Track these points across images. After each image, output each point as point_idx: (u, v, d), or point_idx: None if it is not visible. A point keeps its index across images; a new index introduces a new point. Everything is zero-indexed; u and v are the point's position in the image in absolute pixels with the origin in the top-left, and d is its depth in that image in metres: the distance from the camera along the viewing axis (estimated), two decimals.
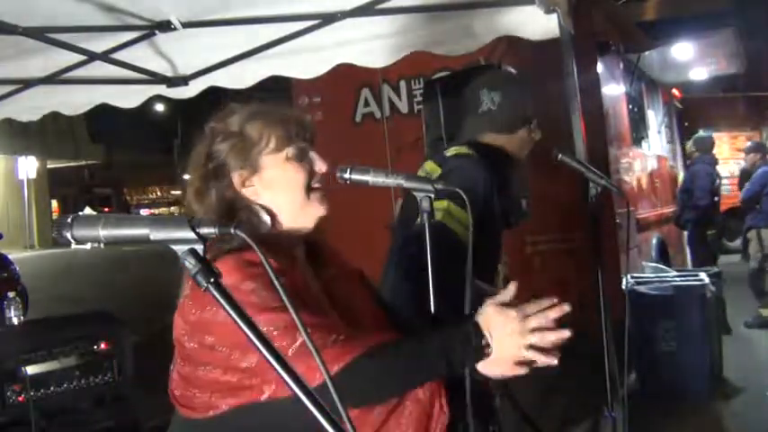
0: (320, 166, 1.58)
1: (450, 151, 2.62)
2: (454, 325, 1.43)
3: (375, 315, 1.65)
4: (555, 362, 1.37)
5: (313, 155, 1.59)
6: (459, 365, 1.40)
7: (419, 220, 2.46)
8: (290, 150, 1.56)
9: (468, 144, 2.63)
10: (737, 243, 11.42)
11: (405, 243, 2.45)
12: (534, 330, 1.36)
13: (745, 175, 8.43)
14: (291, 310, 1.08)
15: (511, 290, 1.40)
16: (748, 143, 9.10)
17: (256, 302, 1.36)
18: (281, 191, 1.55)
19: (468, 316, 1.42)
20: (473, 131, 2.68)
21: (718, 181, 7.94)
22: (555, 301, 1.38)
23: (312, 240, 1.63)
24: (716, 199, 7.77)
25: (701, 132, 9.01)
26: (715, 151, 8.39)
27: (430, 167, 2.61)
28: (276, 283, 1.07)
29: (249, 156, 1.54)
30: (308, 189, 1.56)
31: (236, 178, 1.54)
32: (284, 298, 1.07)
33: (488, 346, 1.37)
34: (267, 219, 1.53)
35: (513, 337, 1.37)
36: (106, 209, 32.19)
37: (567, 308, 1.37)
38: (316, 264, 1.63)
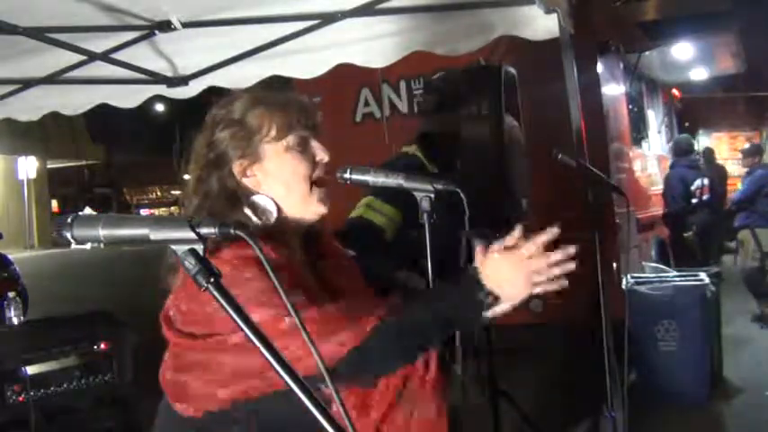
0: (322, 156, 1.56)
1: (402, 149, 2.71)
2: (454, 285, 1.44)
3: (368, 300, 1.64)
4: (564, 283, 1.40)
5: (315, 144, 1.56)
6: (465, 323, 1.49)
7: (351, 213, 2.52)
8: (290, 139, 1.53)
9: (416, 140, 2.72)
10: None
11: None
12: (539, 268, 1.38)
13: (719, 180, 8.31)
14: (288, 305, 1.08)
15: (515, 234, 1.41)
16: (746, 145, 9.08)
17: (254, 294, 1.35)
18: (282, 182, 1.53)
19: (468, 270, 1.43)
20: (424, 129, 2.82)
21: (700, 181, 7.68)
22: (553, 234, 1.40)
23: (310, 228, 1.61)
24: (694, 201, 7.60)
25: (680, 135, 8.97)
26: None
27: None
28: (275, 281, 1.07)
29: (250, 144, 1.52)
30: (311, 181, 1.54)
31: (236, 167, 1.51)
32: (282, 293, 1.07)
33: (492, 295, 1.39)
34: (272, 209, 1.51)
35: (520, 276, 1.38)
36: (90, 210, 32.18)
37: (571, 250, 1.39)
38: (311, 252, 1.61)
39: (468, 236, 2.49)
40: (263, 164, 1.53)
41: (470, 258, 1.83)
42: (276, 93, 1.62)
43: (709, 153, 11.07)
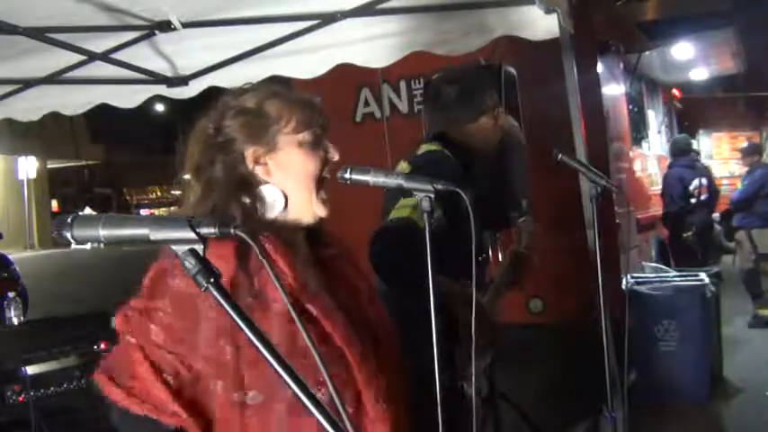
0: (333, 155, 1.57)
1: (421, 149, 2.69)
2: None
3: (372, 295, 1.65)
4: None
5: (327, 143, 1.57)
6: None
7: (389, 216, 2.49)
8: (306, 135, 1.53)
9: (436, 139, 2.69)
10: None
11: (370, 242, 2.44)
12: None
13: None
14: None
15: None
16: (744, 144, 9.07)
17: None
18: (292, 175, 1.53)
19: None
20: (438, 126, 2.76)
21: (698, 181, 7.66)
22: None
23: (312, 225, 1.60)
24: (693, 201, 7.58)
25: (678, 135, 8.97)
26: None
27: (402, 167, 2.64)
28: (277, 283, 1.08)
29: (266, 133, 1.52)
30: (319, 180, 1.54)
31: (249, 155, 1.51)
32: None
33: None
34: (280, 199, 1.51)
35: None
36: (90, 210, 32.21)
37: None
38: (315, 244, 1.61)
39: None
40: (278, 155, 1.53)
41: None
42: (290, 90, 1.63)
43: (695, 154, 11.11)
